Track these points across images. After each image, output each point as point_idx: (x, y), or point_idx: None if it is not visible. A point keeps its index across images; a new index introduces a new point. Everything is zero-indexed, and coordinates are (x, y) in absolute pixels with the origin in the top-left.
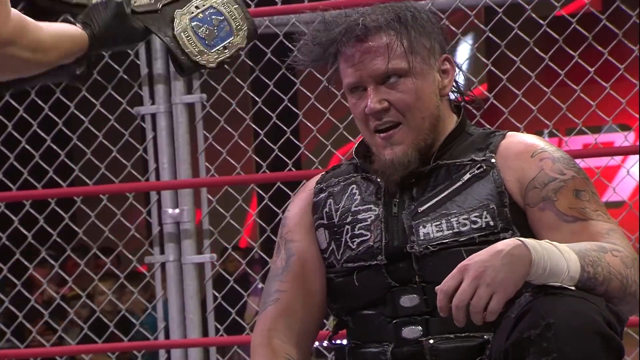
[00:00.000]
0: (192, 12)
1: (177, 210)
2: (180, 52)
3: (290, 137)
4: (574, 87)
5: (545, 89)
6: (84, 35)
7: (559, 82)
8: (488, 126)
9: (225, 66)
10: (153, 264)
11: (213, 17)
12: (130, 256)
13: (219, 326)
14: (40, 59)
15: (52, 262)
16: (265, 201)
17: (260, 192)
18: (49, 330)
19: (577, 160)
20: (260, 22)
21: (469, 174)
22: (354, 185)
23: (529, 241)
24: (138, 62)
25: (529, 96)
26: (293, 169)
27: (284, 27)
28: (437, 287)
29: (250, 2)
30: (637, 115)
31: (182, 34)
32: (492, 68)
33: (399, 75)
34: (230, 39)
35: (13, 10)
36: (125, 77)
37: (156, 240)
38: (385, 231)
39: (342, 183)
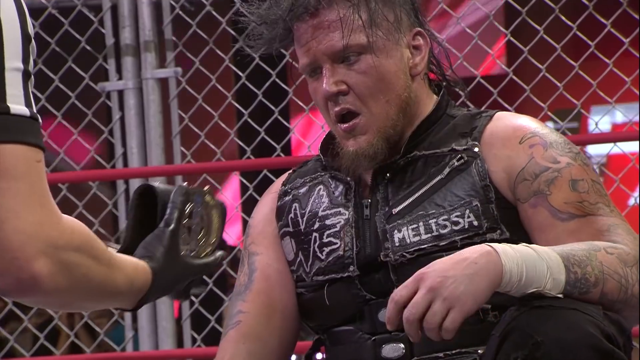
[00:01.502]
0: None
1: None
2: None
3: (279, 117)
4: (606, 60)
5: (572, 62)
6: (145, 265)
7: (588, 54)
8: (508, 106)
9: (204, 35)
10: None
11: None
12: None
13: (196, 335)
14: (111, 277)
15: None
16: (249, 191)
17: (244, 181)
18: None
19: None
20: None
21: (449, 166)
22: (321, 186)
23: (500, 246)
24: (103, 30)
25: (554, 71)
26: (282, 154)
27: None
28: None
29: None
30: None
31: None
32: (511, 39)
33: (357, 52)
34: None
35: (69, 217)
36: (88, 47)
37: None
38: (356, 238)
39: (308, 184)
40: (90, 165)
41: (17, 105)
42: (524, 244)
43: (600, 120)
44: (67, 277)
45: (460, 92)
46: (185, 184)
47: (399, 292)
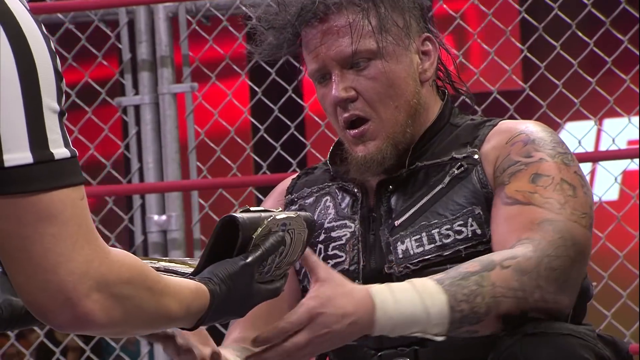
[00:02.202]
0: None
1: (163, 217)
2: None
3: (295, 132)
4: (623, 76)
5: (589, 78)
6: (204, 288)
7: (605, 70)
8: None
9: (221, 50)
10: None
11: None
12: None
13: None
14: (166, 305)
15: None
16: None
17: (260, 196)
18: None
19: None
20: (261, 0)
21: (449, 175)
22: (328, 197)
23: (380, 296)
24: (119, 45)
25: (571, 87)
26: (298, 169)
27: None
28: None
29: None
30: None
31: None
32: (527, 54)
33: (367, 57)
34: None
35: (118, 250)
36: (105, 62)
37: (139, 252)
38: (362, 252)
39: (315, 194)
40: (106, 180)
41: (58, 149)
42: (417, 284)
43: (616, 136)
44: (121, 310)
45: (468, 101)
46: (270, 218)
47: (292, 323)
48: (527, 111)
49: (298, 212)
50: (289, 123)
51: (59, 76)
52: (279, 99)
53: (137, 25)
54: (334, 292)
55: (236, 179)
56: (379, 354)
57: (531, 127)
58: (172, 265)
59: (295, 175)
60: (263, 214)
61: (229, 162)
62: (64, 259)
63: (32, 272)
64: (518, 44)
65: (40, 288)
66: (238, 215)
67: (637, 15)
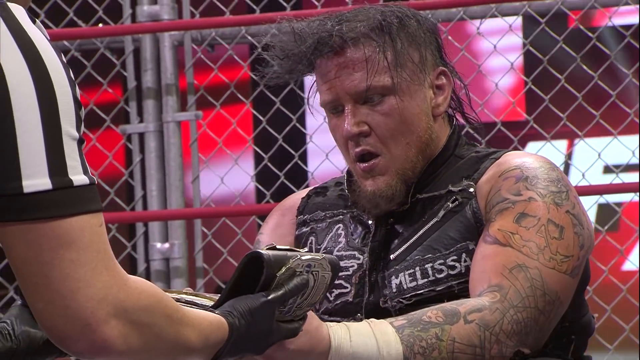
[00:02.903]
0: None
1: (166, 245)
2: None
3: (298, 161)
4: (627, 109)
5: (593, 112)
6: (223, 320)
7: (609, 104)
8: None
9: (225, 79)
10: None
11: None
12: None
13: None
14: (184, 335)
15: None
16: None
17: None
18: None
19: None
20: (267, 30)
21: (443, 209)
22: (341, 225)
23: (338, 339)
24: (125, 73)
25: (575, 120)
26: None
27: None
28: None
29: (255, 7)
30: None
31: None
32: (532, 87)
33: (381, 93)
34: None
35: (136, 277)
36: (110, 90)
37: None
38: (368, 285)
39: (328, 219)
40: (109, 207)
41: (77, 176)
42: (377, 330)
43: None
44: (139, 337)
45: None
46: (295, 259)
47: None
48: (530, 143)
49: (324, 255)
50: (292, 152)
51: (78, 104)
52: (283, 128)
53: (143, 53)
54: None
55: (239, 208)
56: None
57: (529, 163)
58: (193, 298)
59: (303, 194)
60: (289, 253)
61: (232, 190)
62: (83, 284)
63: (51, 297)
64: (522, 76)
65: (59, 314)
66: (264, 252)
67: None
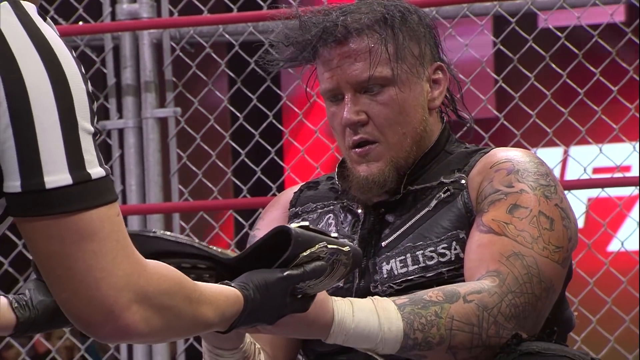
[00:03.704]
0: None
1: None
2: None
3: (275, 157)
4: (595, 107)
5: (562, 109)
6: (239, 294)
7: (578, 101)
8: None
9: (203, 76)
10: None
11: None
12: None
13: None
14: (203, 313)
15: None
16: (245, 229)
17: (240, 219)
18: None
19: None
20: (243, 29)
21: (435, 199)
22: (331, 215)
23: (341, 313)
24: (105, 70)
25: (544, 117)
26: (277, 193)
27: (270, 35)
28: None
29: (232, 6)
30: None
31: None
32: (502, 84)
33: (381, 84)
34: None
35: (154, 262)
36: (90, 87)
37: None
38: (359, 271)
39: (319, 210)
40: None
41: (94, 169)
42: (380, 307)
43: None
44: (160, 320)
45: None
46: (322, 244)
47: None
48: (500, 140)
49: (350, 246)
50: (269, 148)
51: (91, 98)
52: (260, 124)
53: (122, 51)
54: None
55: (217, 202)
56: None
57: (519, 157)
58: (210, 249)
59: (296, 189)
60: (317, 237)
61: (210, 185)
62: (106, 274)
63: (76, 288)
64: (493, 74)
65: (84, 303)
66: (294, 229)
67: (610, 49)
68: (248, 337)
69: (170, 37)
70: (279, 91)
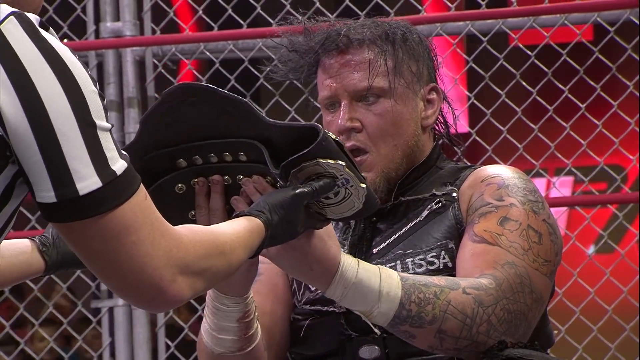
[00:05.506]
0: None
1: None
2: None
3: None
4: (563, 124)
5: (532, 125)
6: (260, 223)
7: (547, 118)
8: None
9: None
10: (100, 309)
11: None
12: (74, 299)
13: None
14: (236, 258)
15: None
16: None
17: None
18: None
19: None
20: (224, 47)
21: (427, 209)
22: None
23: (347, 265)
24: None
25: (515, 133)
26: None
27: (250, 52)
28: None
29: (213, 24)
30: (631, 157)
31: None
32: (474, 101)
33: (377, 94)
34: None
35: (185, 229)
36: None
37: None
38: None
39: None
40: None
41: (117, 164)
42: (384, 274)
43: (558, 182)
44: (202, 281)
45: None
46: (342, 166)
47: None
48: (473, 156)
49: (366, 187)
50: None
51: (101, 97)
52: None
53: (106, 67)
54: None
55: None
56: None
57: (508, 173)
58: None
59: None
60: (342, 155)
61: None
62: (148, 258)
63: (122, 276)
64: (465, 91)
65: (133, 286)
66: (325, 132)
67: (579, 67)
68: (253, 300)
69: (153, 54)
70: (258, 108)
